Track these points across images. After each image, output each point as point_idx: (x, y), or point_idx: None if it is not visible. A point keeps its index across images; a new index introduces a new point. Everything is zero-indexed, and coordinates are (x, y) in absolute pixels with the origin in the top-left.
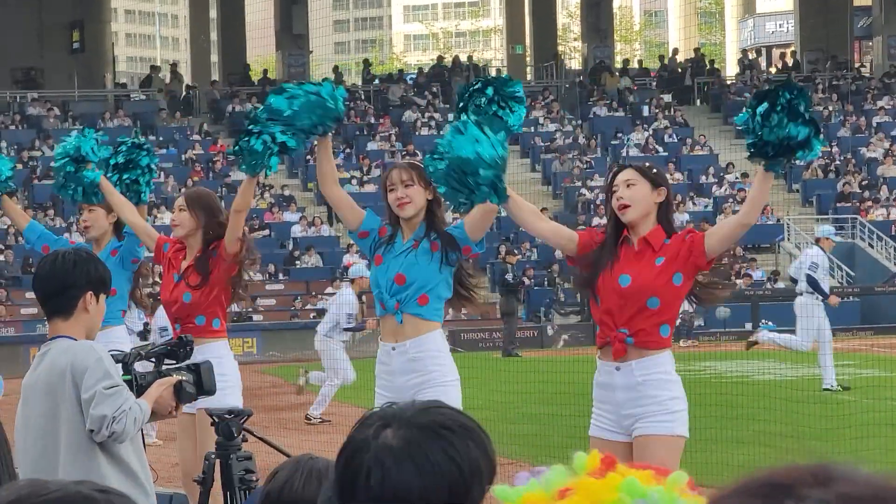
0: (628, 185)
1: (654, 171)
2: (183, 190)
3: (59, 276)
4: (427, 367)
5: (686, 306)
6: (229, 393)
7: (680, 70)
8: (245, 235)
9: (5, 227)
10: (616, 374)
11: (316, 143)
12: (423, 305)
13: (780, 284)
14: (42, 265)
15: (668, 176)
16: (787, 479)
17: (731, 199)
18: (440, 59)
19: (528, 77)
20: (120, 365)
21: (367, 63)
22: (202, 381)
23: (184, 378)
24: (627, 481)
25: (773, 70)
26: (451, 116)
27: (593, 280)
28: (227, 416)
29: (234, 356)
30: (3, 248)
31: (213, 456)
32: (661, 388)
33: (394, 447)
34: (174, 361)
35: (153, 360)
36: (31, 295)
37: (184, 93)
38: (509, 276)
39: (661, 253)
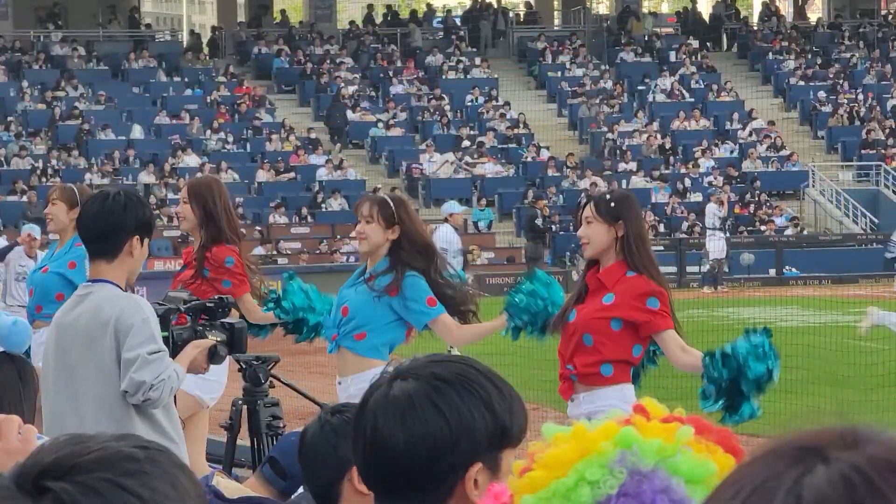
0: (588, 222)
1: (613, 203)
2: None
3: (107, 217)
4: None
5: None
6: (212, 388)
7: (707, 18)
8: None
9: (28, 168)
10: (571, 405)
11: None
12: (359, 341)
13: (802, 231)
14: (90, 205)
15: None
16: (815, 442)
17: (756, 145)
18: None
19: (556, 21)
20: (159, 319)
21: (389, 8)
22: (234, 341)
23: (218, 340)
24: (622, 431)
25: (799, 18)
26: (478, 60)
27: (559, 318)
28: (254, 362)
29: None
30: (27, 189)
31: (240, 402)
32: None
33: (388, 399)
34: (208, 318)
35: (190, 315)
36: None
37: (209, 34)
38: (539, 221)
39: (614, 290)
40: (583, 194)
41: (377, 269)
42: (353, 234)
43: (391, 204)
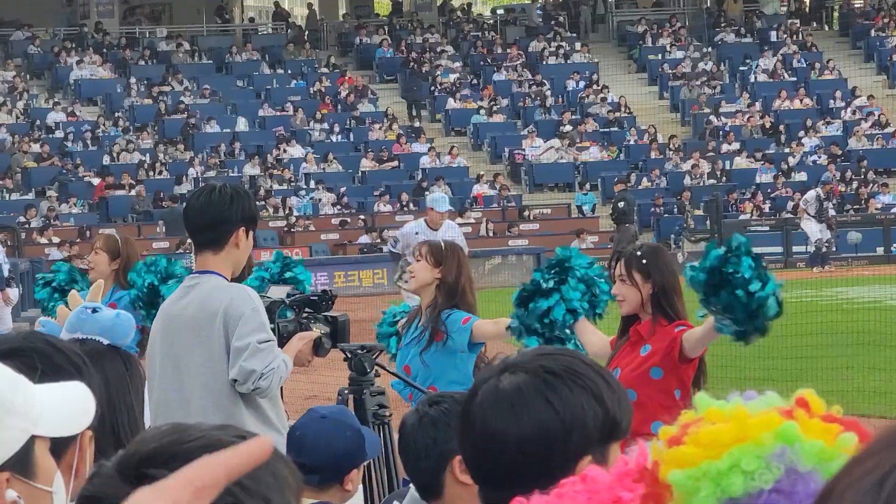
0: (621, 280)
1: (645, 260)
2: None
3: (214, 209)
4: None
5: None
6: None
7: None
8: None
9: (136, 162)
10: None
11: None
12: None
13: None
14: (197, 197)
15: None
16: None
17: (860, 122)
18: None
19: (653, 3)
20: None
21: None
22: (338, 333)
23: (323, 332)
24: (786, 425)
25: None
26: (578, 45)
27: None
28: (359, 350)
29: None
30: (135, 183)
31: (346, 392)
32: None
33: (497, 393)
34: (312, 311)
35: (294, 307)
36: (161, 230)
37: (311, 26)
38: (622, 205)
39: (650, 341)
40: (615, 250)
41: (427, 323)
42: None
43: (442, 246)
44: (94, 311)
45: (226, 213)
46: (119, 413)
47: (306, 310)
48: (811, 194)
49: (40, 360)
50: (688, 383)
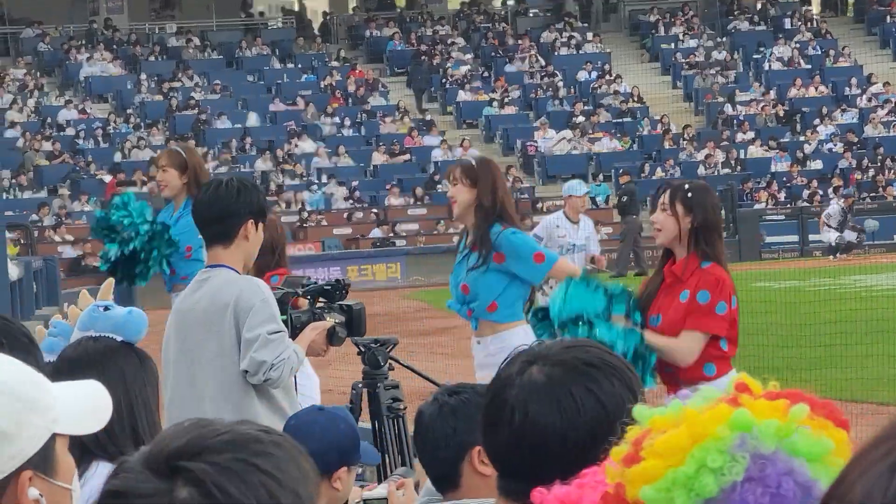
0: (663, 209)
1: (690, 194)
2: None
3: (221, 203)
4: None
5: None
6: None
7: None
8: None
9: (147, 158)
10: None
11: None
12: (493, 313)
13: None
14: (204, 192)
15: (809, 91)
16: None
17: (877, 109)
18: None
19: None
20: (278, 303)
21: None
22: (353, 322)
23: (337, 321)
24: (737, 413)
25: None
26: (590, 35)
27: (643, 319)
28: (372, 345)
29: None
30: (147, 179)
31: (360, 385)
32: None
33: (537, 384)
34: (326, 300)
35: (308, 298)
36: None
37: (321, 19)
38: (625, 199)
39: (688, 285)
40: (663, 181)
41: (475, 240)
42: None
43: (474, 165)
44: (106, 308)
45: (233, 207)
46: (137, 410)
47: (320, 299)
48: (834, 209)
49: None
50: (734, 334)
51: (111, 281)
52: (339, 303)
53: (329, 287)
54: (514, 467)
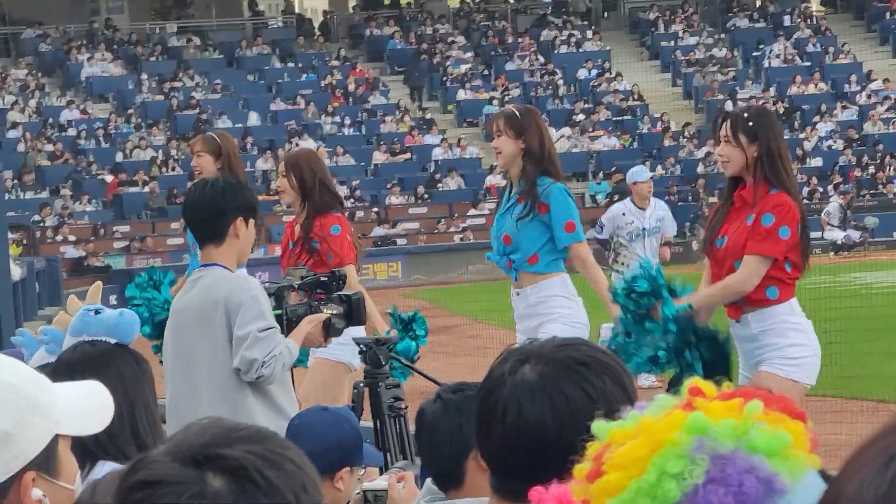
0: (726, 141)
1: (751, 122)
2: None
3: (209, 202)
4: (547, 311)
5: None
6: (343, 351)
7: None
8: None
9: (149, 158)
10: (737, 326)
11: None
12: (534, 265)
13: None
14: (192, 192)
15: (809, 88)
16: None
17: (876, 106)
18: None
19: None
20: (273, 298)
21: None
22: (352, 312)
23: (333, 313)
24: (692, 417)
25: None
26: (589, 33)
27: (709, 243)
28: (373, 344)
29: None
30: (148, 179)
31: (361, 385)
32: (779, 335)
33: (530, 383)
34: (324, 292)
35: (306, 290)
36: (176, 226)
37: (321, 18)
38: (616, 197)
39: (754, 210)
40: (721, 112)
41: (521, 188)
42: (493, 148)
43: (518, 114)
44: (97, 312)
45: (221, 205)
46: (137, 410)
47: (318, 291)
48: (833, 206)
49: None
50: (799, 256)
51: (99, 284)
52: (338, 293)
53: (325, 279)
54: (508, 467)
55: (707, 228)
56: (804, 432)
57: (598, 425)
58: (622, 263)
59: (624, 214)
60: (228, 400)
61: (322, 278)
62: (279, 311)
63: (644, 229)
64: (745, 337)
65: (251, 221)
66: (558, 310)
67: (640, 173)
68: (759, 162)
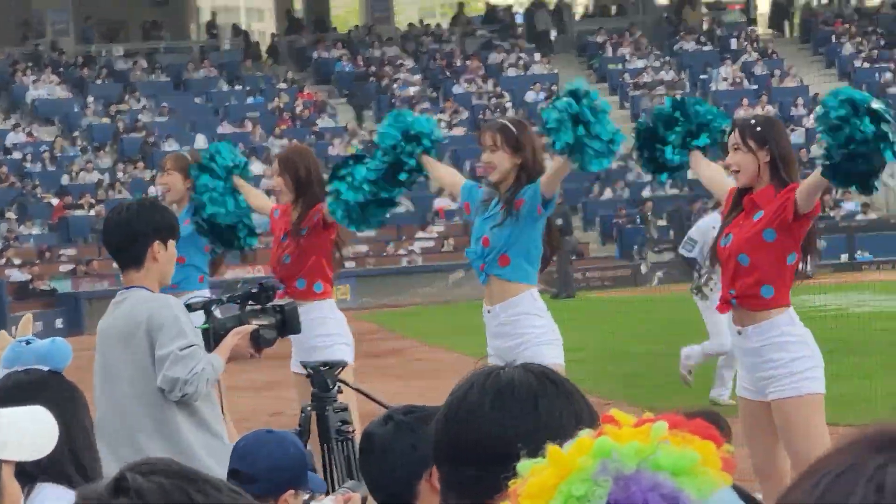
0: (735, 149)
1: (759, 129)
2: (276, 148)
3: (124, 227)
4: (518, 331)
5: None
6: (337, 350)
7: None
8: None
9: (95, 181)
10: (738, 338)
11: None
12: (504, 267)
13: (873, 215)
14: (108, 219)
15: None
16: None
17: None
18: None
19: (613, 12)
20: (201, 311)
21: (461, 6)
22: (286, 322)
23: (262, 324)
24: (598, 442)
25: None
26: (538, 56)
27: (714, 247)
28: (321, 367)
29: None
30: (95, 202)
31: (308, 408)
32: (781, 350)
33: (484, 402)
34: (256, 303)
35: (237, 303)
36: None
37: (269, 41)
38: (559, 222)
39: (763, 207)
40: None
41: (507, 198)
42: (483, 163)
43: (513, 129)
44: (28, 342)
45: (135, 230)
46: (75, 435)
47: (249, 303)
48: None
49: None
50: (800, 251)
51: (29, 317)
52: (272, 304)
53: (255, 290)
54: (460, 484)
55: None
56: (714, 452)
57: (523, 464)
58: (711, 289)
59: (714, 227)
60: (156, 418)
61: (252, 291)
62: (206, 325)
63: None
64: (748, 350)
65: (171, 242)
66: (531, 329)
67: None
68: (771, 166)
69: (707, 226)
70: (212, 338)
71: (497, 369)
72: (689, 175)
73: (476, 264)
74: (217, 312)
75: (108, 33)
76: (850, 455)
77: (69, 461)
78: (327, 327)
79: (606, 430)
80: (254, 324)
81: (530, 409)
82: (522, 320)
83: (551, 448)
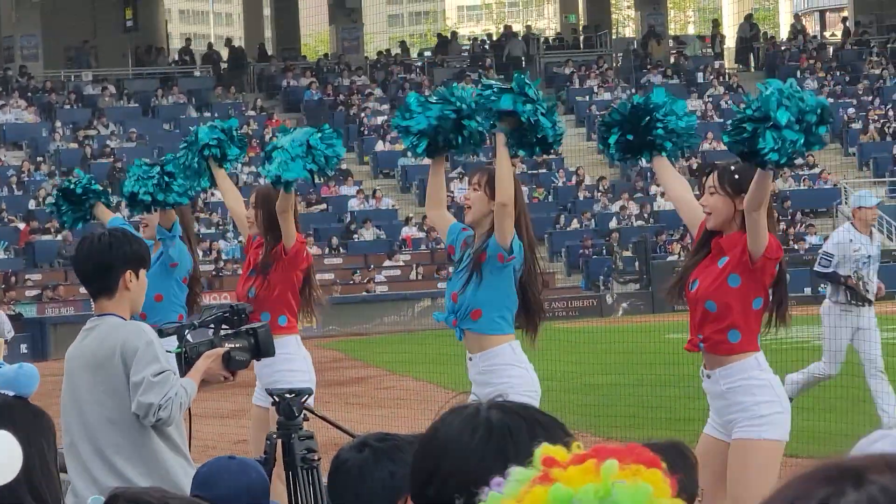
0: (710, 193)
1: (737, 176)
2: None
3: (96, 257)
4: (496, 381)
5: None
6: (299, 383)
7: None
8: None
9: None
10: (707, 381)
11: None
12: (476, 320)
13: None
14: (80, 248)
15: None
16: (857, 464)
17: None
18: (505, 29)
19: (581, 46)
20: (174, 336)
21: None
22: (259, 344)
23: (234, 346)
24: (553, 490)
25: (826, 34)
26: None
27: (680, 287)
28: (287, 395)
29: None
30: (61, 227)
31: (274, 436)
32: (745, 393)
33: (463, 434)
34: (229, 327)
35: (211, 326)
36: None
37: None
38: None
39: (727, 253)
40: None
41: (480, 248)
42: (463, 198)
43: None
44: None
45: (107, 260)
46: (31, 461)
47: (223, 327)
48: None
49: None
50: (766, 296)
51: (1, 342)
52: (245, 327)
53: (227, 314)
54: None
55: (679, 273)
56: (661, 478)
57: (490, 496)
58: (867, 291)
59: (851, 241)
60: (133, 443)
61: (224, 314)
62: (180, 349)
63: (870, 256)
64: (715, 394)
65: (142, 272)
66: (508, 379)
67: (866, 198)
68: (742, 216)
69: (844, 239)
70: (185, 362)
71: (477, 404)
72: (655, 207)
73: (448, 320)
74: (189, 337)
75: (77, 59)
76: (798, 488)
77: (25, 489)
78: (292, 363)
79: (555, 475)
80: (226, 346)
81: (508, 444)
82: (500, 370)
83: (503, 499)
